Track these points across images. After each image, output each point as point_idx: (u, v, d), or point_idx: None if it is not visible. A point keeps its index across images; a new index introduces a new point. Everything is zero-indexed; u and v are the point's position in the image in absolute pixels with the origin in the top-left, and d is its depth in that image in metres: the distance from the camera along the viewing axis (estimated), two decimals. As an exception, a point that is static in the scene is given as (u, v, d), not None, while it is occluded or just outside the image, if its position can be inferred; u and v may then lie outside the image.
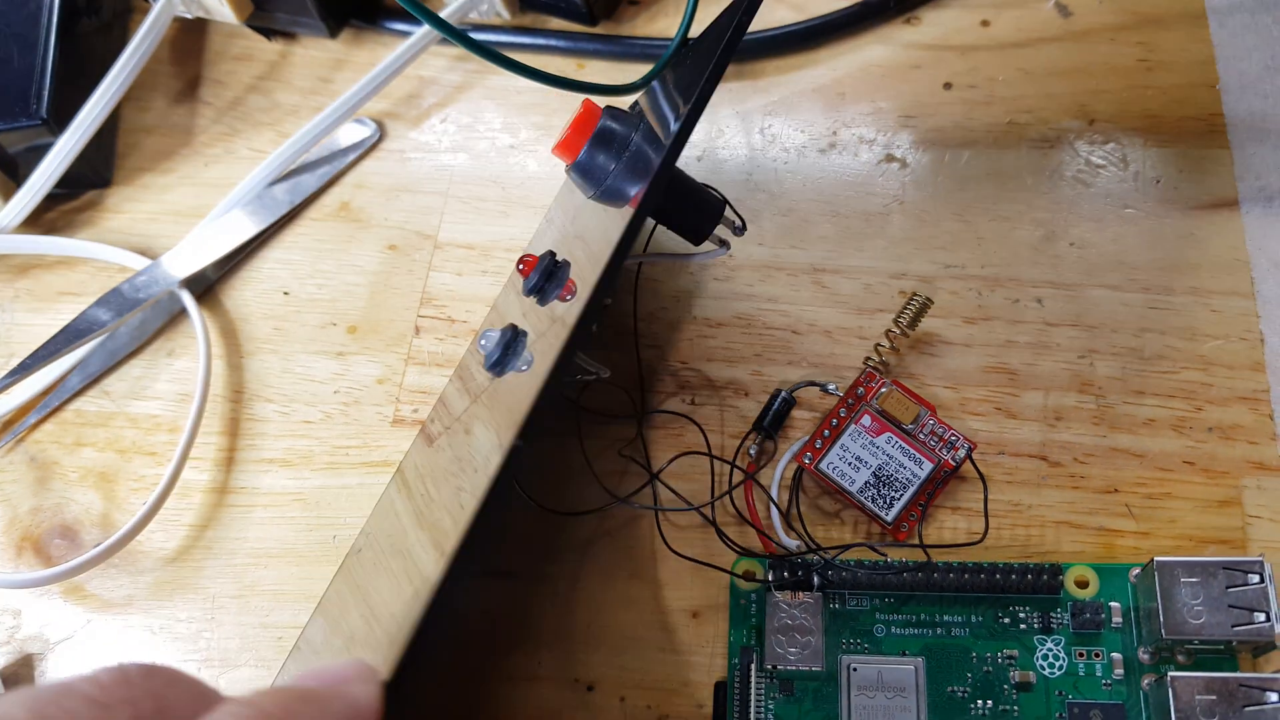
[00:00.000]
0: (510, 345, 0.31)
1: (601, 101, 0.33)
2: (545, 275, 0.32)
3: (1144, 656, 0.31)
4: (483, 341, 0.32)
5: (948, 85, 0.41)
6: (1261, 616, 0.29)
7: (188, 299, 0.41)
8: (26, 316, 0.44)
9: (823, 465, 0.34)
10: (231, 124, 0.46)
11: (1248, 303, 0.36)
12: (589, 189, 0.32)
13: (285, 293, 0.42)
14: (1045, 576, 0.32)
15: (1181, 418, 0.34)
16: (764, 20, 0.44)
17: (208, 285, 0.43)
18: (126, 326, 0.42)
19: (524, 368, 0.31)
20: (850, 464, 0.34)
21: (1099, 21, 0.41)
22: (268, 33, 0.48)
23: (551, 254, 0.33)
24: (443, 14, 0.43)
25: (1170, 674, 0.29)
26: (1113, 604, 0.32)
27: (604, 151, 0.32)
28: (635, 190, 0.31)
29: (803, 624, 0.32)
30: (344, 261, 0.42)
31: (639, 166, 0.31)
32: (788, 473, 0.35)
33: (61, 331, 0.40)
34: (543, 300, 0.32)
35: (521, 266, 0.33)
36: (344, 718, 0.20)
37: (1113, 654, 0.31)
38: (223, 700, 0.19)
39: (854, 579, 0.32)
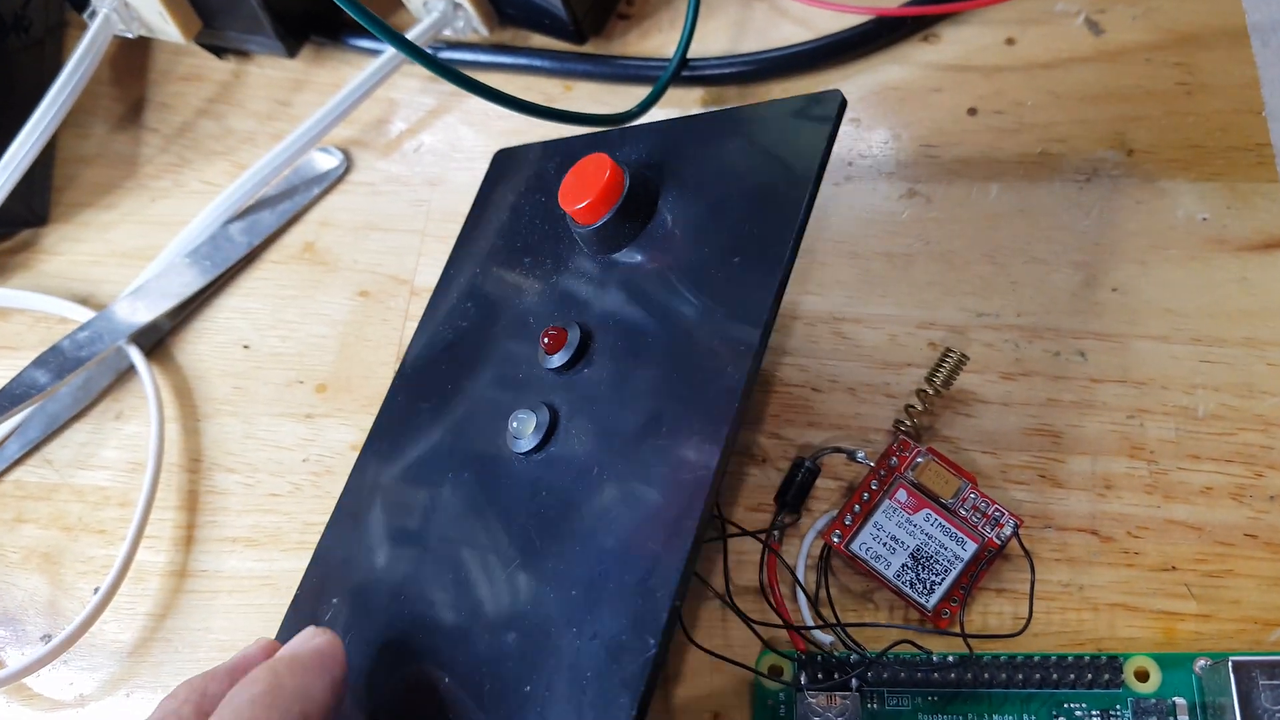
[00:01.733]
0: (550, 430, 0.28)
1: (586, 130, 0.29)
2: (578, 352, 0.29)
3: (1214, 759, 0.28)
4: (513, 424, 0.28)
5: (972, 111, 0.38)
6: (1350, 722, 0.26)
7: (136, 355, 0.37)
8: (-46, 373, 0.39)
9: (854, 546, 0.31)
10: (180, 153, 0.42)
11: (1307, 354, 0.33)
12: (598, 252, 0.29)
13: (245, 346, 0.38)
14: (1104, 671, 0.29)
15: (1240, 485, 0.32)
16: (767, 40, 0.40)
17: (158, 338, 0.38)
18: (69, 387, 0.38)
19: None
20: (885, 544, 0.31)
21: (1133, 39, 0.38)
22: (219, 51, 0.43)
23: (581, 326, 0.29)
24: (412, 31, 0.39)
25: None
26: (1178, 700, 0.29)
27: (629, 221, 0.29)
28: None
29: (839, 729, 0.29)
30: (310, 310, 0.38)
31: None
32: (814, 548, 0.32)
33: (-5, 397, 0.36)
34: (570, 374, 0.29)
35: (547, 341, 0.29)
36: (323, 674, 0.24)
37: (1179, 756, 0.28)
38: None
39: (895, 678, 0.29)
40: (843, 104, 0.27)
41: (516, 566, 0.26)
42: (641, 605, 0.23)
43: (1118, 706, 0.29)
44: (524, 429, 0.28)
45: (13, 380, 0.36)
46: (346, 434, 0.36)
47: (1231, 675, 0.27)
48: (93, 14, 0.40)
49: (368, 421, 0.35)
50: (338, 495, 0.34)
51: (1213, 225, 0.35)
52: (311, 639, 0.25)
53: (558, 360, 0.29)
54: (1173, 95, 0.37)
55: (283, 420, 0.36)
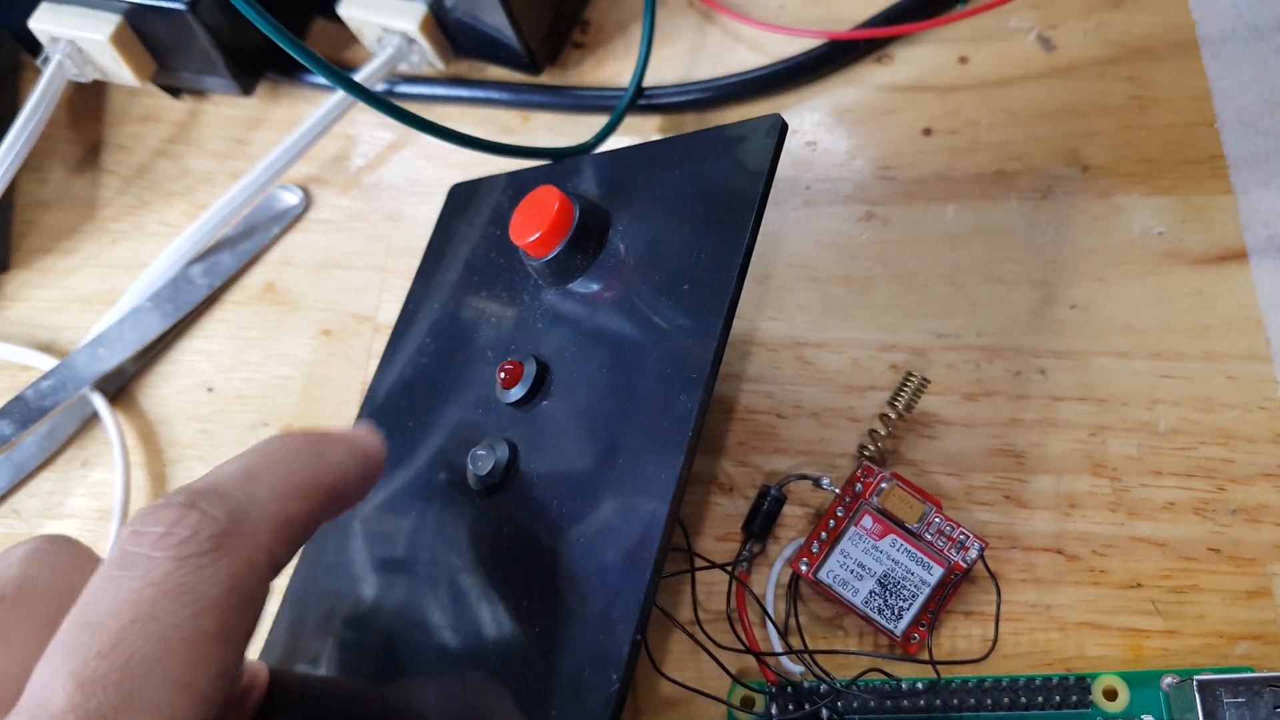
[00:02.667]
0: (510, 466, 0.28)
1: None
2: (535, 386, 0.29)
3: (1183, 775, 0.28)
4: (472, 463, 0.28)
5: (927, 131, 0.38)
6: (1314, 737, 0.27)
7: (100, 403, 0.37)
8: (-84, 425, 0.39)
9: (822, 574, 0.31)
10: (139, 194, 0.42)
11: (1265, 366, 0.33)
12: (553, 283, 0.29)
13: (209, 389, 0.38)
14: (1072, 693, 0.29)
15: (1203, 499, 0.32)
16: (722, 65, 0.40)
17: (122, 384, 0.38)
18: (34, 436, 0.37)
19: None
20: (852, 572, 0.31)
21: (1085, 55, 0.38)
22: (174, 91, 0.43)
23: (537, 359, 0.29)
24: (366, 68, 0.39)
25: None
26: (1146, 717, 0.29)
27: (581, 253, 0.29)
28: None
29: (811, 760, 0.29)
30: (272, 351, 0.38)
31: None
32: (782, 576, 0.32)
33: (-43, 451, 0.36)
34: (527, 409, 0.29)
35: (504, 375, 0.29)
36: (362, 447, 0.23)
37: (1149, 773, 0.29)
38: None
39: (865, 706, 0.29)
40: (784, 127, 0.27)
41: (478, 602, 0.26)
42: (603, 639, 0.23)
43: (1087, 726, 0.29)
44: (483, 466, 0.28)
45: (-25, 433, 0.36)
46: (313, 476, 0.36)
47: (1196, 694, 0.27)
48: (45, 60, 0.40)
49: (334, 462, 0.35)
50: (305, 539, 0.34)
51: (1168, 239, 0.35)
52: (366, 434, 0.24)
53: (515, 394, 0.29)
54: (1126, 109, 0.37)
55: (248, 464, 0.36)
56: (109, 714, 0.17)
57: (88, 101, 0.44)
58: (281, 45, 0.28)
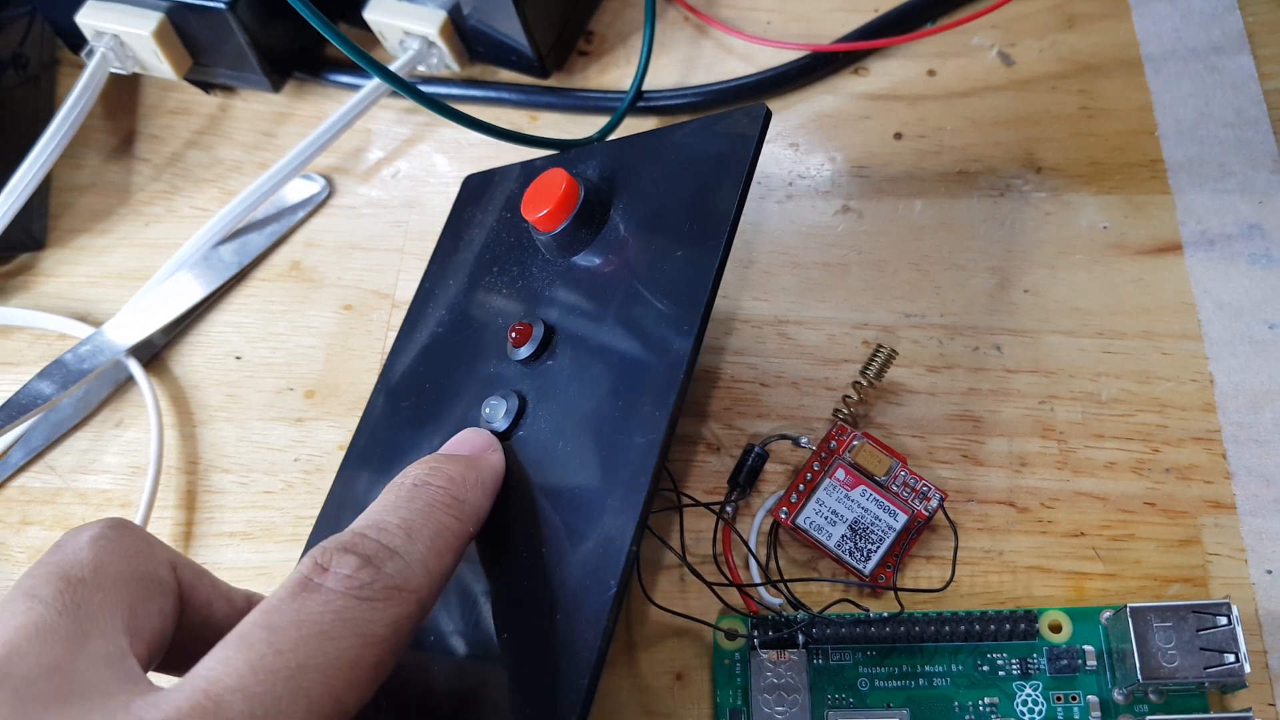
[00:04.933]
0: (519, 414, 0.31)
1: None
2: (542, 345, 0.32)
3: (1119, 697, 0.32)
4: (486, 409, 0.32)
5: (898, 135, 0.42)
6: (1231, 657, 0.30)
7: (135, 368, 0.40)
8: (-41, 388, 0.42)
9: (799, 520, 0.34)
10: (171, 181, 0.45)
11: (1196, 345, 0.37)
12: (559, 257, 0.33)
13: (237, 357, 0.41)
14: (1021, 623, 0.32)
15: (1140, 460, 0.36)
16: (714, 74, 0.44)
17: (155, 352, 0.41)
18: (70, 398, 0.40)
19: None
20: (826, 518, 0.34)
21: (1041, 70, 0.42)
22: (206, 86, 0.46)
23: (545, 323, 0.32)
24: (391, 67, 0.43)
25: (1148, 718, 0.30)
26: (1086, 647, 0.32)
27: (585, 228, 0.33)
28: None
29: (789, 682, 0.32)
30: (298, 323, 0.41)
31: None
32: (763, 525, 0.35)
33: (2, 407, 0.39)
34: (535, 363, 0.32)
35: (514, 335, 0.32)
36: (491, 479, 0.29)
37: (1089, 696, 0.32)
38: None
39: (836, 634, 0.33)
40: (768, 115, 0.31)
41: (493, 532, 0.30)
42: (603, 553, 0.27)
43: (1034, 655, 0.33)
44: (495, 413, 0.31)
45: (19, 391, 0.39)
46: (334, 435, 0.39)
47: (1130, 619, 0.31)
48: (90, 53, 0.43)
49: (353, 424, 0.38)
50: (327, 490, 0.37)
51: (1113, 233, 0.39)
52: (492, 456, 0.30)
53: (524, 352, 0.32)
54: (1076, 118, 0.41)
55: (274, 424, 0.39)
56: (270, 703, 0.20)
57: (122, 95, 0.47)
58: (334, 42, 0.31)
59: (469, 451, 0.30)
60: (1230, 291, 0.38)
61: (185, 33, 0.43)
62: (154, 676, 0.23)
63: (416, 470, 0.27)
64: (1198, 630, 0.30)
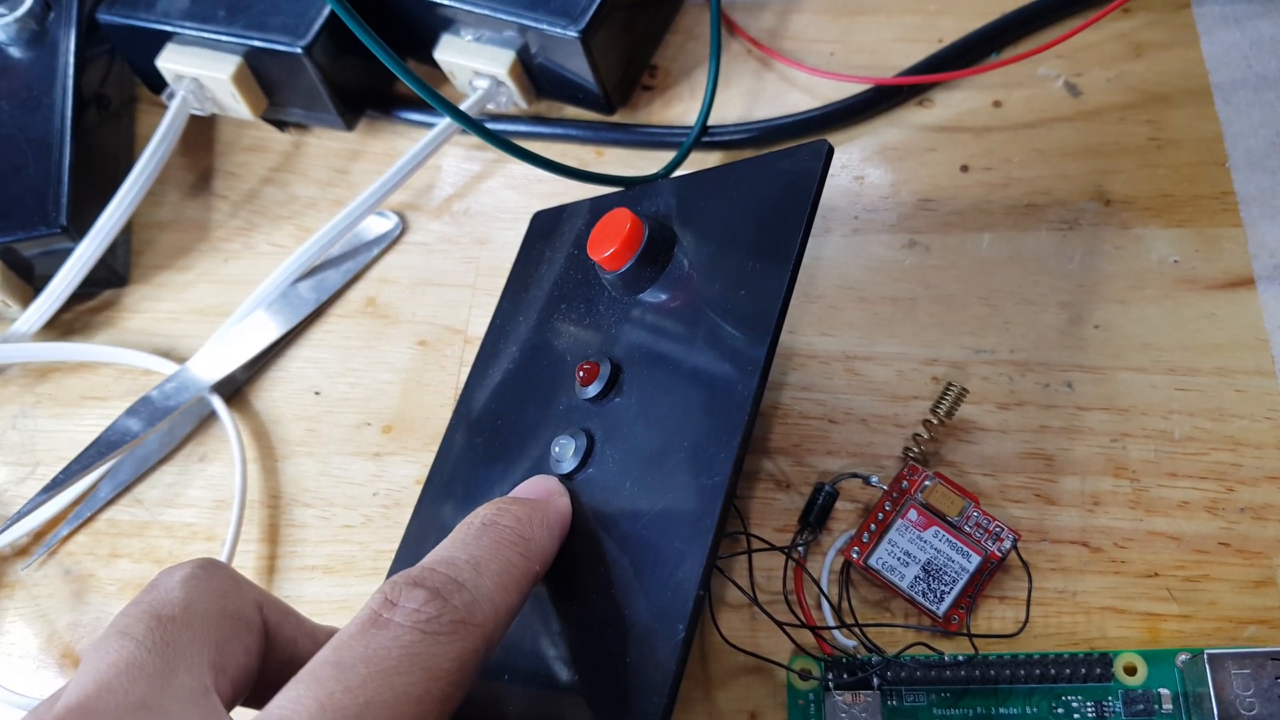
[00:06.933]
0: (587, 453, 0.32)
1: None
2: (609, 383, 0.32)
3: (1195, 742, 0.32)
4: (555, 449, 0.32)
5: (964, 168, 0.42)
6: (1311, 704, 0.30)
7: (219, 404, 0.41)
8: (49, 423, 0.43)
9: (872, 561, 0.35)
10: (249, 218, 0.46)
11: (1270, 381, 0.37)
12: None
13: (316, 393, 0.42)
14: (1096, 666, 0.33)
15: (1214, 499, 0.35)
16: (778, 107, 0.44)
17: (236, 387, 0.43)
18: (156, 433, 0.42)
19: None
20: (899, 559, 0.34)
21: (1108, 100, 0.42)
22: (281, 124, 0.48)
23: (611, 361, 0.33)
24: (462, 106, 0.44)
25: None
26: (1162, 690, 0.33)
27: (650, 266, 0.33)
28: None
29: (863, 723, 0.32)
30: (374, 359, 0.42)
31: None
32: (835, 565, 0.36)
33: (93, 444, 0.40)
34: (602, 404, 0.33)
35: (582, 374, 0.33)
36: (557, 521, 0.29)
37: (1165, 740, 0.32)
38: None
39: (911, 677, 0.33)
40: (829, 151, 0.31)
41: (561, 572, 0.30)
42: (671, 596, 0.27)
43: (1109, 698, 0.33)
44: (564, 453, 0.32)
45: (108, 429, 0.41)
46: (411, 469, 0.40)
47: (1207, 666, 0.31)
48: (170, 95, 0.45)
49: (429, 458, 0.39)
50: (405, 525, 0.38)
51: (1183, 267, 0.39)
52: (559, 500, 0.30)
53: (592, 391, 0.33)
54: (1145, 150, 0.41)
55: (353, 459, 0.40)
56: None
57: (198, 133, 0.49)
58: (407, 83, 0.32)
59: (536, 495, 0.30)
60: (1305, 327, 0.38)
61: (261, 75, 0.44)
62: (241, 712, 0.24)
63: (485, 511, 0.28)
64: (1276, 678, 0.30)
